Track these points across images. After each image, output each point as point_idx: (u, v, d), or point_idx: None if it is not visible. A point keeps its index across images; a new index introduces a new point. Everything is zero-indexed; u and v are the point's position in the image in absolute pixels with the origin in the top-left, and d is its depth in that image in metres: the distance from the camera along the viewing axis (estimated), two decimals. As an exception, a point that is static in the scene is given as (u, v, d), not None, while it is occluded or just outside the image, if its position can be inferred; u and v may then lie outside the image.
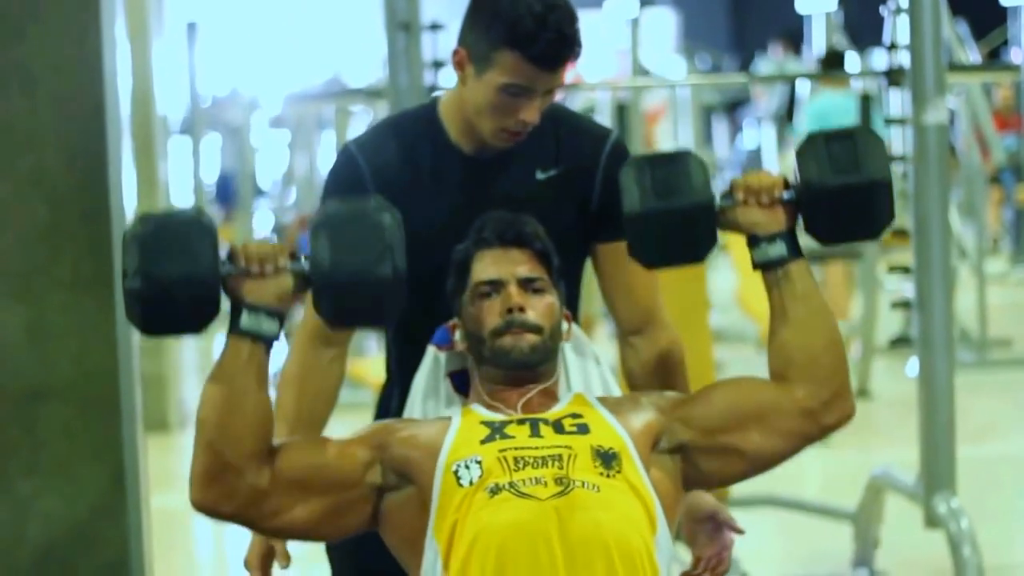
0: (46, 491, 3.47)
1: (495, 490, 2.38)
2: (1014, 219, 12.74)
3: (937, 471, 4.42)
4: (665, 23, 18.46)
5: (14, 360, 3.46)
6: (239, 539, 5.98)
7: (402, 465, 2.46)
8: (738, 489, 4.46)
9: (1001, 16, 12.00)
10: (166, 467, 6.23)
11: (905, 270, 5.64)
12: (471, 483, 2.39)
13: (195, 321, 2.40)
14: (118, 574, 3.50)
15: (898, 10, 4.61)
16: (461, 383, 2.68)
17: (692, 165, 2.52)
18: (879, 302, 8.05)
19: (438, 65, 4.38)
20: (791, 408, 2.51)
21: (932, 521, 4.41)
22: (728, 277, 9.34)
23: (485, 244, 2.59)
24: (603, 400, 2.58)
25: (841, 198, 2.51)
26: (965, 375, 6.68)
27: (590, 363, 2.75)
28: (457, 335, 2.62)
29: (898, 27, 4.62)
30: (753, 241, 2.54)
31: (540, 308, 2.55)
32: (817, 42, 9.68)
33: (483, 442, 2.44)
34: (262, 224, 11.28)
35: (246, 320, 2.40)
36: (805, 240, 2.57)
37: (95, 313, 3.46)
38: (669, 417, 2.52)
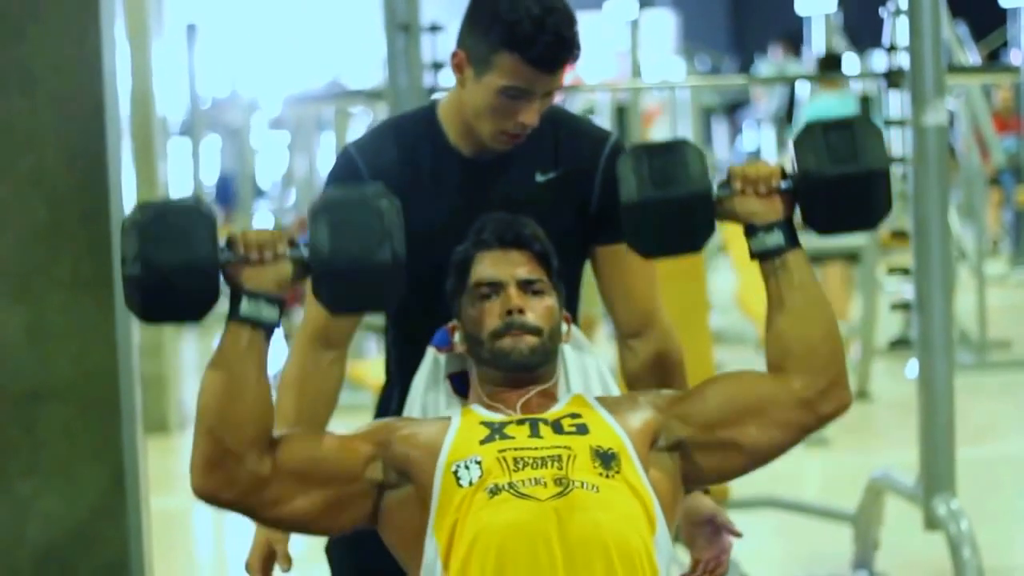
0: (46, 491, 3.47)
1: (495, 490, 2.38)
2: (1014, 221, 12.74)
3: (937, 473, 4.42)
4: (665, 25, 18.46)
5: (14, 360, 3.46)
6: (239, 540, 5.99)
7: (402, 463, 2.47)
8: (738, 491, 4.46)
9: (1000, 18, 12.01)
10: (166, 468, 6.23)
11: (905, 272, 5.64)
12: (471, 483, 2.39)
13: (194, 308, 2.40)
14: (118, 575, 3.50)
15: (897, 12, 4.61)
16: (461, 385, 2.69)
17: (690, 154, 2.51)
18: (879, 304, 8.05)
19: (438, 66, 4.38)
20: (788, 399, 2.51)
21: (932, 523, 4.41)
22: (728, 278, 9.34)
23: (485, 246, 2.59)
24: (601, 400, 2.58)
25: (839, 188, 2.50)
26: (965, 377, 6.68)
27: (590, 364, 2.75)
28: (456, 337, 2.62)
29: (898, 29, 4.62)
30: (750, 231, 2.54)
31: (539, 310, 2.55)
32: (817, 44, 9.68)
33: (483, 442, 2.44)
34: (262, 225, 11.28)
35: (246, 307, 2.40)
36: (803, 241, 2.57)
37: (95, 313, 3.46)
38: (666, 414, 2.53)
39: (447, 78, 4.20)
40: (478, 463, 2.41)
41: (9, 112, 3.44)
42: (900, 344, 8.92)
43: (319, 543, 2.85)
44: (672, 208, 2.49)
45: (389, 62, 4.37)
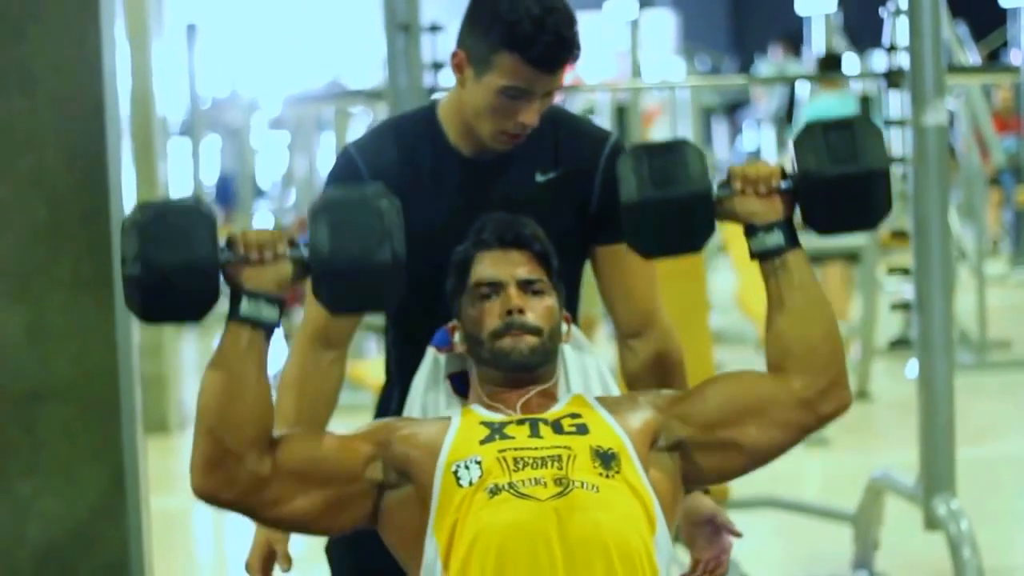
0: (46, 491, 3.47)
1: (495, 491, 2.38)
2: (1014, 221, 12.75)
3: (937, 473, 4.42)
4: (665, 25, 18.46)
5: (14, 360, 3.46)
6: (239, 540, 5.98)
7: (402, 463, 2.47)
8: (738, 491, 4.46)
9: (1000, 18, 12.01)
10: (166, 468, 6.23)
11: (905, 272, 5.65)
12: (471, 483, 2.39)
13: (194, 308, 2.39)
14: (118, 575, 3.50)
15: (898, 12, 4.61)
16: (461, 385, 2.69)
17: (690, 154, 2.51)
18: (879, 304, 8.05)
19: (438, 66, 4.38)
20: (788, 399, 2.51)
21: (932, 523, 4.41)
22: (728, 278, 9.34)
23: (485, 246, 2.59)
24: (601, 400, 2.58)
25: (839, 188, 2.50)
26: (965, 377, 6.68)
27: (590, 364, 2.75)
28: (456, 337, 2.62)
29: (898, 29, 4.62)
30: (750, 231, 2.54)
31: (539, 310, 2.55)
32: (817, 44, 9.68)
33: (483, 442, 2.44)
34: (262, 225, 11.28)
35: (246, 306, 2.40)
36: (803, 241, 2.57)
37: (95, 313, 3.46)
38: (666, 414, 2.53)
39: (447, 78, 4.20)
40: (478, 463, 2.41)
41: (9, 112, 3.44)
42: (900, 344, 8.92)
43: (319, 543, 2.85)
44: (672, 208, 2.49)
45: (389, 62, 4.37)
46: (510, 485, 2.38)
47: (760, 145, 14.03)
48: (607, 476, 2.41)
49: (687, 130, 10.63)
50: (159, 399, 7.31)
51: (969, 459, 5.04)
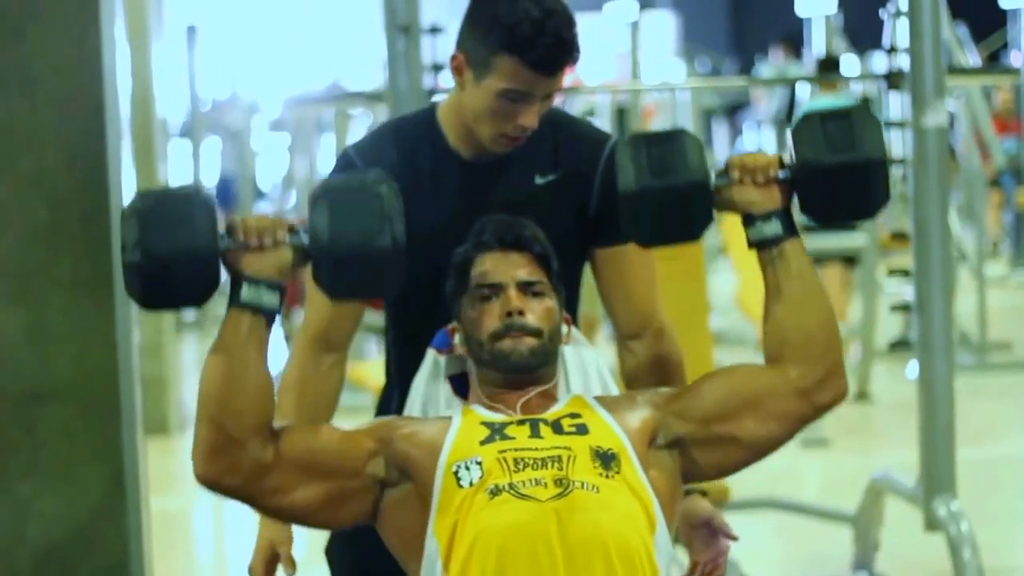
0: (46, 492, 3.47)
1: (495, 491, 2.38)
2: (1014, 222, 12.75)
3: (937, 474, 4.42)
4: (665, 26, 18.46)
5: (14, 361, 3.46)
6: (239, 540, 5.99)
7: (403, 461, 2.47)
8: (738, 491, 4.46)
9: (1001, 19, 12.01)
10: (166, 468, 6.23)
11: (905, 273, 5.65)
12: (471, 484, 2.40)
13: (194, 295, 2.39)
14: (118, 575, 3.50)
15: (898, 13, 4.61)
16: (460, 386, 2.68)
17: (688, 144, 2.51)
18: (879, 305, 8.05)
19: (438, 68, 4.38)
20: (785, 390, 2.51)
21: (932, 524, 4.41)
22: (728, 279, 9.34)
23: (485, 247, 2.59)
24: (601, 400, 2.58)
25: (837, 177, 2.49)
26: (965, 378, 6.68)
27: (589, 365, 2.75)
28: (456, 338, 2.62)
29: (898, 30, 4.63)
30: (748, 220, 2.54)
31: (539, 311, 2.55)
32: (817, 45, 9.69)
33: (483, 443, 2.44)
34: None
35: (246, 293, 2.40)
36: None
37: (95, 314, 3.46)
38: (664, 412, 2.53)
39: (447, 80, 4.20)
40: (479, 464, 2.42)
41: (9, 112, 3.44)
42: (900, 345, 8.92)
43: (319, 544, 2.85)
44: (670, 197, 2.49)
45: (389, 64, 4.38)
46: (510, 486, 2.38)
47: (760, 146, 14.03)
48: (607, 476, 2.41)
49: (687, 131, 10.61)
50: (159, 400, 7.32)
51: (969, 460, 5.04)
